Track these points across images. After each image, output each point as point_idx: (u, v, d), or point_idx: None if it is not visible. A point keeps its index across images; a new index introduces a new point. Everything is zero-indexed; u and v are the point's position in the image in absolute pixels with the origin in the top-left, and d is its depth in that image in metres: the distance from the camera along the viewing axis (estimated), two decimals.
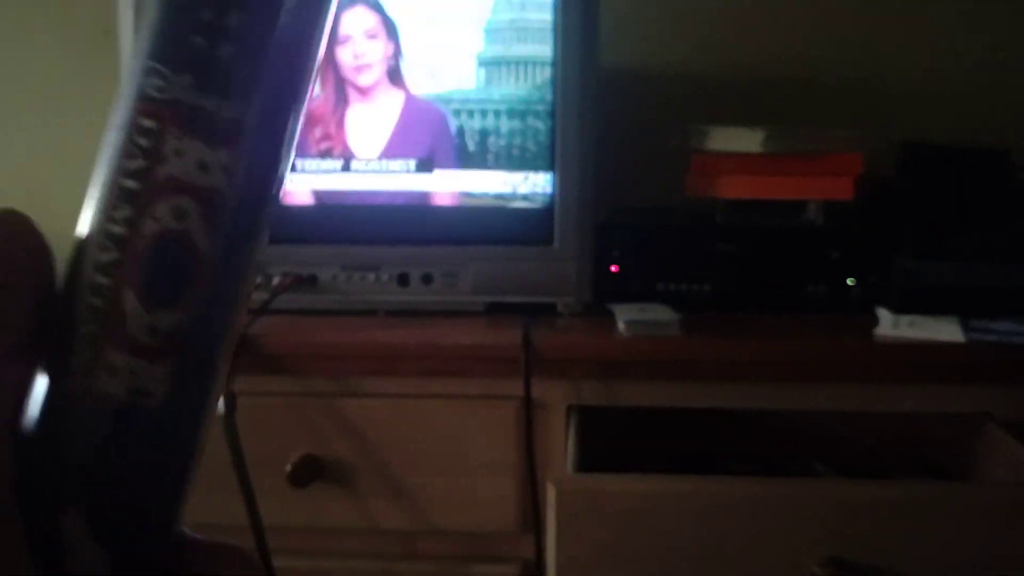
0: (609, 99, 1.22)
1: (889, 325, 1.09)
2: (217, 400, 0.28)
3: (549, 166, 1.15)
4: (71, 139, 1.52)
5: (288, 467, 1.08)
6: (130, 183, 0.25)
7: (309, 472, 1.08)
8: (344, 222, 1.17)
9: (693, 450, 1.16)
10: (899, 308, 1.08)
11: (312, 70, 0.28)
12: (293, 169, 1.15)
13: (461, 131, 1.15)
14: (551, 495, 0.88)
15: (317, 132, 1.15)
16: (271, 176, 0.27)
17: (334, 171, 1.16)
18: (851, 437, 1.15)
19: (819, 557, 0.87)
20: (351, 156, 1.16)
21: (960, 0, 1.43)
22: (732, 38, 1.43)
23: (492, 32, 1.13)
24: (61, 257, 0.27)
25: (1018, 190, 1.24)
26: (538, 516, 1.05)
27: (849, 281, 1.18)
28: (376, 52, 1.14)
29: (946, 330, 1.08)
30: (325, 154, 1.15)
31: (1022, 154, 1.28)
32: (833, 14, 1.43)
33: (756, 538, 0.87)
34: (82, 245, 0.26)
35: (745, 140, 1.19)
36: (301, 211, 1.17)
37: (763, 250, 1.19)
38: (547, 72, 1.13)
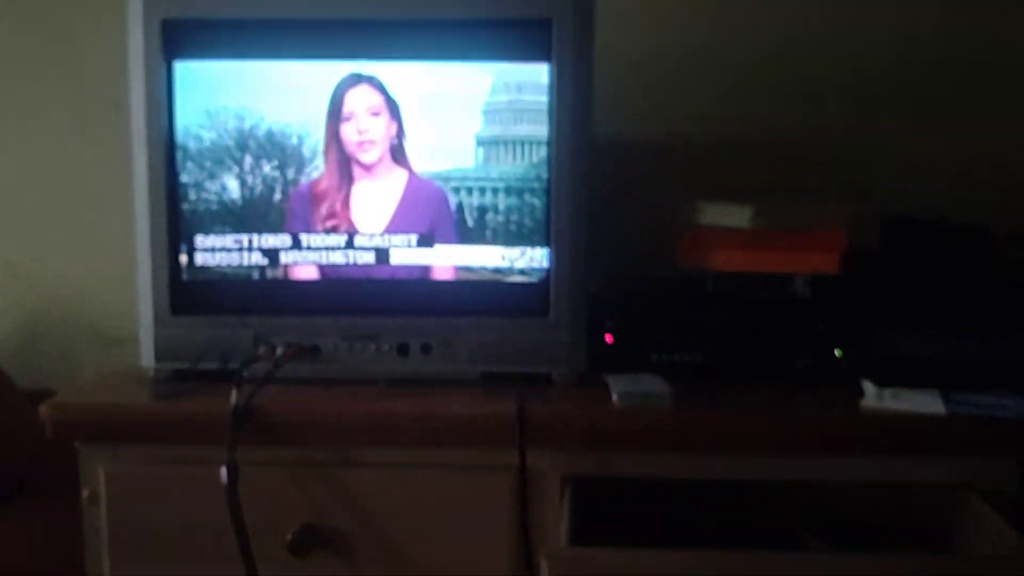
0: (602, 169, 1.25)
1: (873, 397, 1.13)
2: None
3: (545, 241, 1.19)
4: (81, 210, 1.56)
5: (288, 536, 1.10)
6: None
7: (308, 541, 1.11)
8: (346, 294, 1.21)
9: (685, 519, 1.19)
10: (882, 381, 1.12)
11: None
12: (299, 245, 1.19)
13: (460, 207, 1.19)
14: (544, 570, 0.91)
15: (323, 209, 1.19)
16: None
17: (338, 247, 1.20)
18: (838, 506, 1.18)
19: None
20: (355, 232, 1.20)
21: (943, 84, 1.49)
22: (722, 111, 1.48)
23: (490, 113, 1.17)
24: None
25: (999, 264, 1.28)
26: None
27: (836, 353, 1.22)
28: (379, 129, 1.18)
29: (928, 402, 1.11)
30: (331, 231, 1.19)
31: (1004, 225, 1.32)
32: (821, 89, 1.48)
33: None
34: None
35: (734, 216, 1.23)
36: (305, 284, 1.21)
37: (753, 321, 1.23)
38: (543, 151, 1.18)
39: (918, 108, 1.48)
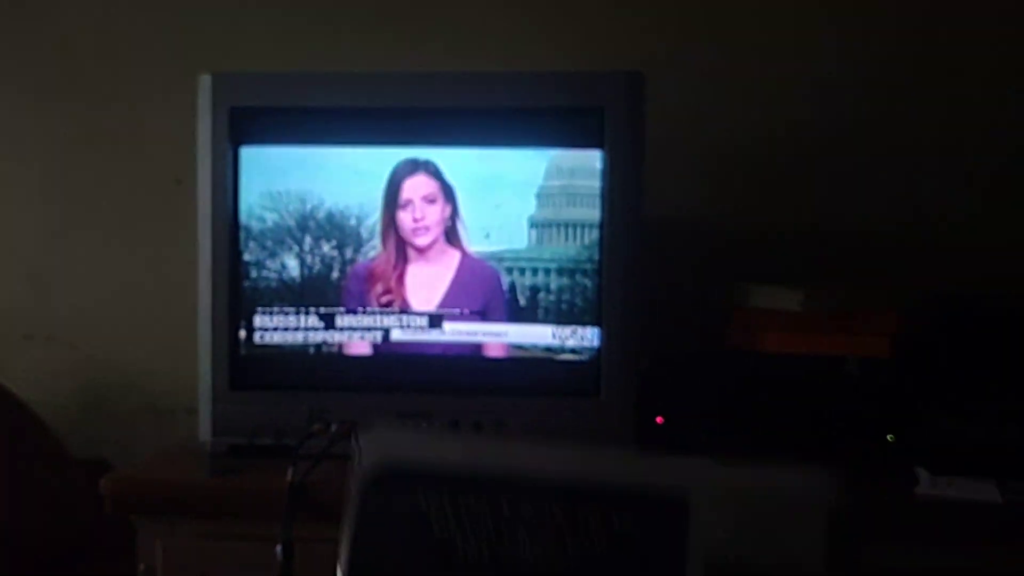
0: (652, 250, 1.28)
1: (928, 484, 1.12)
2: None
3: (596, 321, 1.20)
4: (139, 282, 1.60)
5: None
6: None
7: None
8: (399, 371, 1.23)
9: None
10: (936, 469, 1.11)
11: None
12: (354, 322, 1.21)
13: (513, 287, 1.21)
14: None
15: (379, 287, 1.22)
16: None
17: (392, 323, 1.22)
18: None
19: None
20: (409, 309, 1.22)
21: (991, 166, 1.49)
22: (773, 194, 1.50)
23: (543, 197, 1.20)
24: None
25: None
26: None
27: (889, 438, 1.21)
28: (434, 215, 1.21)
29: (984, 490, 1.10)
30: (385, 308, 1.22)
31: None
32: (870, 172, 1.50)
33: None
34: None
35: (785, 298, 1.24)
36: (360, 361, 1.23)
37: (804, 405, 1.23)
38: (595, 233, 1.20)
39: (968, 191, 1.49)
